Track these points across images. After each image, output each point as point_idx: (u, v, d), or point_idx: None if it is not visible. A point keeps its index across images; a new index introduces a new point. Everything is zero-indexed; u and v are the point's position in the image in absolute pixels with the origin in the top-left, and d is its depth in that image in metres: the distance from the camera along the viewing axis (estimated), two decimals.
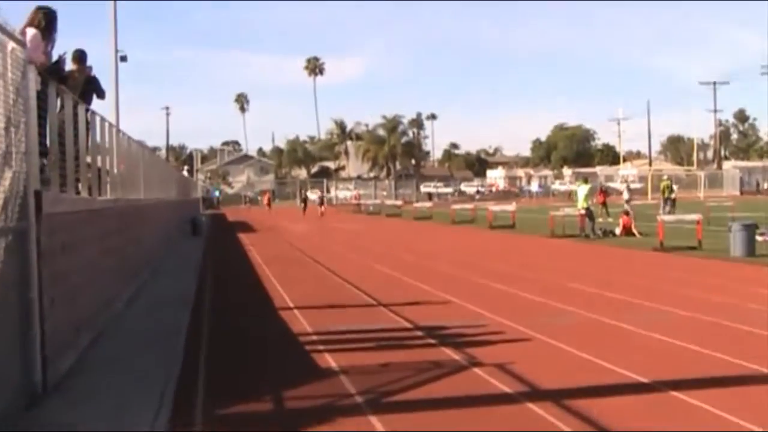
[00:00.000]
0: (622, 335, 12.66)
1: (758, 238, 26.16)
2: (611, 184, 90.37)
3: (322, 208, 70.31)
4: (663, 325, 13.18)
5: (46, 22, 11.34)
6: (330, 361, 11.07)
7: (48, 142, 10.67)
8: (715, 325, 13.28)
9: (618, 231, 34.88)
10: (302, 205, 74.96)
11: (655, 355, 11.19)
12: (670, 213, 42.83)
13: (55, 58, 12.24)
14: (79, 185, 12.82)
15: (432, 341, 12.41)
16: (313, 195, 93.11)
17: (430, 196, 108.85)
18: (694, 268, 21.90)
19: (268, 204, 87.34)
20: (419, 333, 13.21)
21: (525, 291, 17.72)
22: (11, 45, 8.64)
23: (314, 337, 12.92)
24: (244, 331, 13.74)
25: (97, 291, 13.45)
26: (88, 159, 14.36)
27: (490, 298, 16.85)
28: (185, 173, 70.79)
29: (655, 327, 12.94)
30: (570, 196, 62.04)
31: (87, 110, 13.71)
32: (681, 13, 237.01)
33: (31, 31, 10.35)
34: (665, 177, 56.04)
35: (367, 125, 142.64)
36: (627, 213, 36.00)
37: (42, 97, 10.21)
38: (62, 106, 11.91)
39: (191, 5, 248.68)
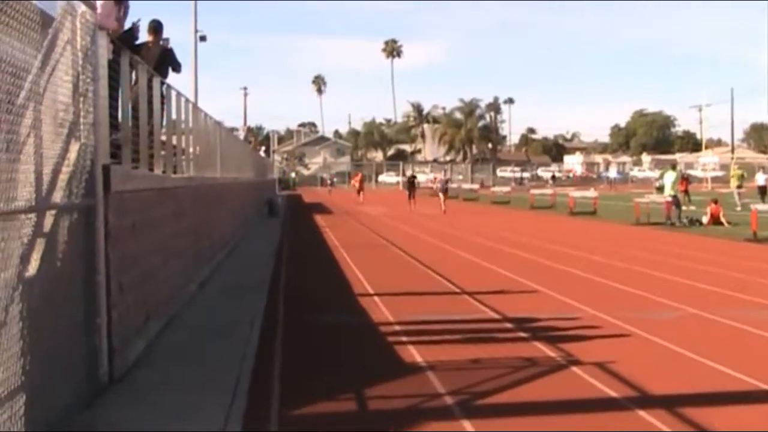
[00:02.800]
0: (731, 334, 11.69)
1: None
2: (691, 172, 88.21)
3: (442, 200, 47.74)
4: None
5: None
6: (415, 354, 10.30)
7: (120, 114, 10.02)
8: None
9: (705, 220, 33.59)
10: (408, 192, 52.30)
11: None
12: (743, 203, 41.38)
13: (128, 26, 11.59)
14: (153, 162, 12.16)
15: (523, 335, 11.59)
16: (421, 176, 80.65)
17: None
18: None
19: (360, 188, 65.82)
20: (508, 325, 12.40)
21: (616, 281, 16.79)
22: (81, 7, 7.97)
23: (397, 327, 12.17)
24: (322, 320, 12.98)
25: (169, 275, 12.81)
26: (163, 135, 13.76)
27: (580, 289, 15.96)
28: (262, 154, 70.22)
29: (761, 324, 11.95)
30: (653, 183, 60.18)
31: (162, 83, 13.07)
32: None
33: None
34: (736, 166, 54.16)
35: (444, 108, 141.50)
36: (715, 201, 34.67)
37: (114, 67, 9.57)
38: (136, 79, 11.28)
39: None
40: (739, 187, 47.16)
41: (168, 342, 10.92)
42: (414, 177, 57.32)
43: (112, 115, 9.49)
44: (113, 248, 8.55)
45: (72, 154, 7.65)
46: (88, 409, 7.62)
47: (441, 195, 48.41)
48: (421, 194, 54.94)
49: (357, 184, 67.86)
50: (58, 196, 7.21)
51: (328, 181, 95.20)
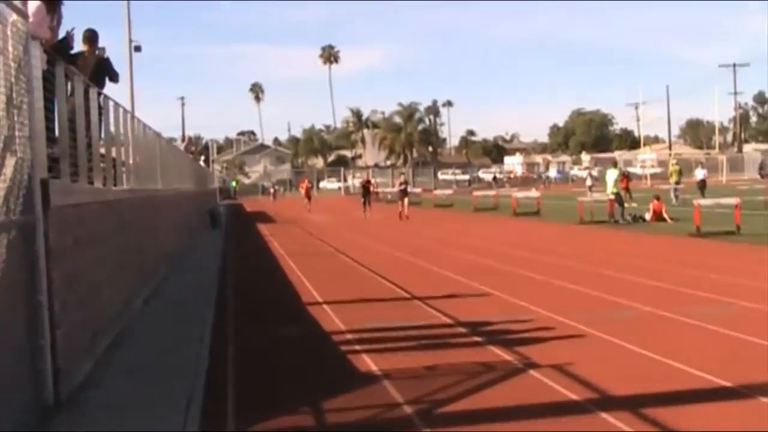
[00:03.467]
0: (685, 330, 11.61)
1: None
2: (630, 169, 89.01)
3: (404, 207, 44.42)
4: (726, 318, 12.14)
5: None
6: (370, 363, 10.08)
7: (57, 127, 9.67)
8: None
9: (648, 216, 33.79)
10: (363, 200, 49.80)
11: (730, 353, 10.15)
12: (684, 199, 41.89)
13: (62, 35, 11.22)
14: (92, 175, 11.79)
15: (478, 339, 11.42)
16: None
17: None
18: (736, 254, 20.84)
19: (307, 195, 61.99)
20: (462, 330, 12.21)
21: (566, 281, 16.69)
22: (12, 16, 7.63)
23: (349, 336, 11.94)
24: (273, 331, 12.67)
25: (115, 290, 12.43)
26: (102, 147, 13.39)
27: (530, 290, 15.82)
28: (202, 164, 69.50)
29: (718, 320, 11.92)
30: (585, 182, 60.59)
31: (99, 94, 12.71)
32: None
33: (34, 4, 9.30)
34: (674, 162, 54.87)
35: (383, 113, 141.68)
36: (657, 198, 34.90)
37: (49, 78, 9.22)
38: (72, 90, 10.92)
39: None
40: (677, 182, 47.68)
41: (116, 360, 10.54)
42: (369, 182, 53.77)
43: (49, 128, 9.14)
44: (55, 266, 8.21)
45: (8, 169, 7.31)
46: (34, 430, 7.30)
47: (400, 201, 44.89)
48: (353, 199, 55.05)
49: (305, 192, 63.05)
50: None
51: (271, 189, 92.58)
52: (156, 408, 8.20)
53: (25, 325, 7.54)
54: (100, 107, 12.76)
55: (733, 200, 29.69)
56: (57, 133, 9.72)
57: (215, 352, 10.99)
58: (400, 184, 46.29)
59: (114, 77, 14.20)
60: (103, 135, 13.33)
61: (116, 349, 11.14)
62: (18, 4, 7.76)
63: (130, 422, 7.73)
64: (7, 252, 6.97)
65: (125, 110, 16.26)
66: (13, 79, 7.55)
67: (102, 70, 13.71)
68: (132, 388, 9.13)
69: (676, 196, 44.95)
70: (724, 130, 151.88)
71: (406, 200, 44.40)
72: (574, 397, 8.24)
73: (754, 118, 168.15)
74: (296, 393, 8.85)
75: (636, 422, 7.34)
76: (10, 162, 7.39)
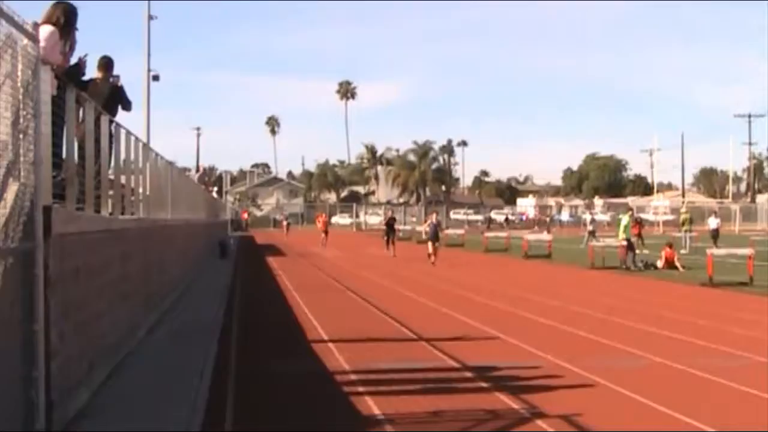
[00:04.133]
0: (698, 384, 11.34)
1: None
2: (643, 215, 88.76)
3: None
4: (740, 373, 11.86)
5: (65, 19, 10.12)
6: (372, 406, 9.84)
7: (65, 153, 9.52)
8: None
9: (660, 264, 33.54)
10: (386, 237, 46.84)
11: (745, 410, 9.86)
12: (695, 247, 41.60)
13: (74, 61, 11.09)
14: (100, 202, 11.63)
15: (484, 384, 11.18)
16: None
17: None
18: (749, 306, 20.55)
19: (324, 230, 58.42)
20: (468, 374, 11.97)
21: (577, 328, 16.43)
22: (23, 40, 7.50)
23: (352, 377, 11.70)
24: (275, 369, 12.42)
25: (116, 320, 12.23)
26: (112, 175, 13.25)
27: (539, 335, 15.58)
28: (214, 194, 69.38)
29: (733, 375, 11.62)
30: (585, 225, 60.41)
31: (111, 122, 12.58)
32: (716, 46, 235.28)
33: (47, 28, 9.17)
34: (684, 210, 54.67)
35: (397, 150, 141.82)
36: (670, 245, 34.66)
37: (59, 104, 9.08)
38: (83, 116, 10.79)
39: (223, 29, 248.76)
40: (688, 230, 47.45)
41: (113, 392, 10.33)
42: (394, 219, 50.46)
43: (56, 154, 8.99)
44: (53, 294, 8.02)
45: (9, 195, 7.14)
46: None
47: (430, 243, 38.59)
48: (371, 236, 54.00)
49: (322, 226, 59.22)
50: None
51: (284, 222, 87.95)
52: None
53: (20, 356, 7.34)
54: (111, 135, 12.63)
55: (746, 251, 29.41)
56: (64, 159, 9.57)
57: (215, 387, 10.78)
58: (429, 223, 40.45)
59: (127, 106, 14.07)
60: (113, 163, 13.20)
61: (114, 381, 10.94)
62: (29, 28, 7.63)
63: None
64: (3, 280, 6.78)
65: (137, 139, 16.14)
66: (20, 104, 7.41)
67: (115, 98, 13.58)
68: (128, 421, 8.91)
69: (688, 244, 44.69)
70: (737, 179, 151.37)
71: (437, 243, 38.80)
72: None
73: (767, 169, 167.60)
74: None
75: None
76: (12, 188, 7.24)
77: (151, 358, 12.93)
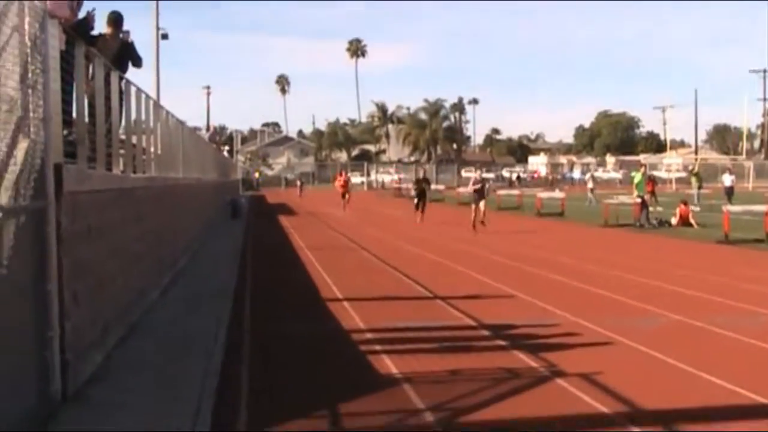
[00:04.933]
0: (717, 341, 11.18)
1: None
2: (655, 173, 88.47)
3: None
4: (760, 330, 11.71)
5: None
6: (390, 365, 9.72)
7: (74, 110, 9.35)
8: None
9: (674, 221, 33.32)
10: (417, 200, 38.07)
11: (765, 367, 9.71)
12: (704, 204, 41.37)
13: (82, 15, 10.90)
14: (111, 161, 11.47)
15: (502, 343, 11.04)
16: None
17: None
18: (767, 263, 20.36)
19: (344, 190, 50.33)
20: (485, 333, 11.84)
21: (593, 285, 16.30)
22: None
23: (369, 335, 11.59)
24: (291, 329, 12.30)
25: (129, 281, 12.10)
26: (123, 134, 13.08)
27: (556, 293, 15.43)
28: (225, 154, 68.97)
29: (752, 332, 11.49)
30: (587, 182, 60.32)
31: (121, 78, 12.39)
32: (730, 4, 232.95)
33: None
34: (691, 167, 54.53)
35: (408, 109, 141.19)
36: (685, 203, 34.42)
37: (67, 59, 8.91)
38: (93, 73, 10.61)
39: None
40: (700, 187, 47.22)
41: (127, 355, 10.23)
42: (427, 181, 41.34)
43: (66, 111, 8.83)
44: (66, 254, 7.88)
45: (20, 152, 6.99)
46: (40, 426, 6.97)
47: (474, 204, 32.35)
48: (382, 195, 52.91)
49: (341, 185, 51.22)
50: (3, 198, 6.56)
51: (298, 182, 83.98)
52: (163, 409, 7.86)
53: (34, 316, 7.23)
54: (121, 92, 12.46)
55: (762, 207, 29.15)
56: (74, 116, 9.40)
57: (230, 349, 10.67)
58: (475, 182, 33.05)
59: (137, 62, 13.88)
60: (123, 121, 13.03)
61: (128, 343, 10.84)
62: None
63: (137, 420, 7.40)
64: (16, 238, 6.65)
65: (148, 96, 15.96)
66: (28, 58, 7.24)
67: (125, 55, 13.40)
68: (142, 384, 8.80)
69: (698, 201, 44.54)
70: (751, 136, 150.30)
71: (482, 204, 32.21)
72: (603, 409, 7.86)
73: None
74: (312, 395, 8.52)
75: None
76: (22, 145, 7.09)
77: (164, 321, 12.80)
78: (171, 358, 10.11)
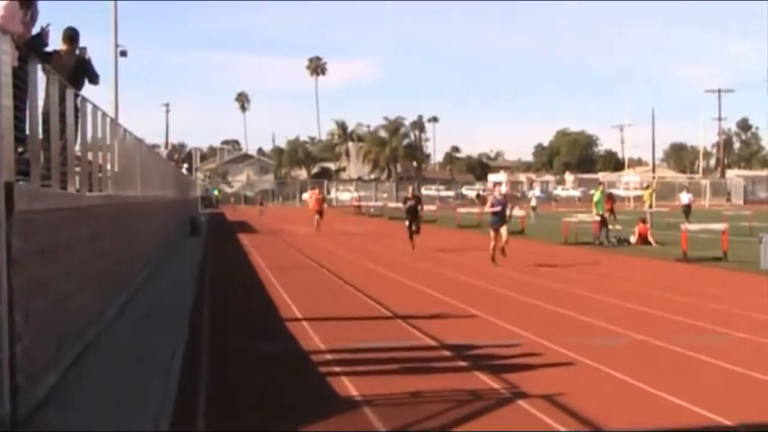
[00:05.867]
0: (678, 361, 11.14)
1: None
2: (614, 191, 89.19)
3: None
4: (720, 349, 11.71)
5: None
6: (350, 387, 9.57)
7: (27, 127, 9.14)
8: None
9: (633, 239, 33.49)
10: (409, 225, 31.73)
11: (727, 387, 9.68)
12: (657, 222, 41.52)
13: (36, 31, 10.68)
14: (67, 179, 11.24)
15: (463, 364, 10.93)
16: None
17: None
18: (725, 282, 20.47)
19: (319, 210, 44.75)
20: (447, 353, 11.72)
21: (554, 305, 16.23)
22: None
23: (328, 356, 11.43)
24: (249, 349, 12.09)
25: (85, 301, 11.86)
26: (79, 151, 12.85)
27: (517, 312, 15.38)
28: (184, 171, 68.44)
29: (713, 351, 11.47)
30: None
31: (77, 95, 12.17)
32: (687, 22, 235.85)
33: None
34: (645, 185, 55.17)
35: (368, 126, 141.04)
36: (644, 221, 34.61)
37: (21, 76, 8.70)
38: (47, 90, 10.39)
39: (190, 6, 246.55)
40: (651, 206, 47.71)
41: (82, 375, 10.00)
42: (418, 199, 33.88)
43: (19, 128, 8.62)
44: (18, 275, 7.67)
45: None
46: None
47: (493, 230, 26.14)
48: (342, 213, 52.47)
49: (315, 205, 45.64)
50: None
51: (259, 200, 79.67)
52: (120, 428, 7.67)
53: None
54: (77, 109, 12.24)
55: (720, 226, 29.38)
56: (28, 133, 9.19)
57: (187, 369, 10.46)
58: (494, 198, 27.33)
59: (94, 79, 13.64)
60: (79, 139, 12.80)
61: (84, 363, 10.60)
62: None
63: None
64: None
65: (104, 114, 15.73)
66: None
67: (82, 71, 13.15)
68: (97, 406, 8.60)
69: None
70: (707, 154, 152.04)
71: (503, 230, 26.11)
72: (565, 431, 7.76)
73: (737, 144, 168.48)
74: (271, 418, 8.35)
75: None
76: None
77: (121, 340, 12.58)
78: (127, 378, 9.90)
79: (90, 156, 14.02)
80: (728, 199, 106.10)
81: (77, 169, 12.45)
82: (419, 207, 32.83)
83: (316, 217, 44.17)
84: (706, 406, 8.57)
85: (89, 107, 13.52)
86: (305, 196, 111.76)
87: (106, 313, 13.86)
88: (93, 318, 12.47)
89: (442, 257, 28.70)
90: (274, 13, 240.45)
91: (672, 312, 15.21)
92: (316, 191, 48.16)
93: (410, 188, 37.49)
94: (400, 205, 44.33)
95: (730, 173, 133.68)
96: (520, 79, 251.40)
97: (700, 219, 43.31)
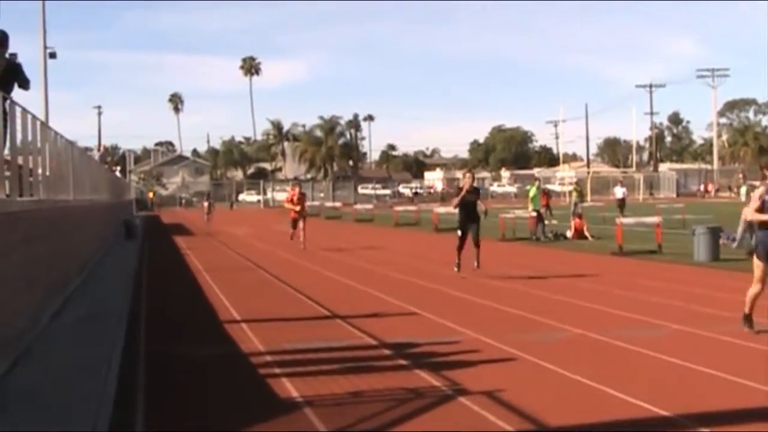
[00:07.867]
0: (617, 354, 11.23)
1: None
2: (549, 186, 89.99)
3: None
4: (658, 342, 11.81)
5: None
6: (290, 389, 9.48)
7: None
8: (716, 341, 11.93)
9: (570, 234, 33.87)
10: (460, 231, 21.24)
11: (665, 379, 9.77)
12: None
13: None
14: None
15: (403, 362, 10.91)
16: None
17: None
18: (661, 274, 20.69)
19: (299, 208, 30.57)
20: (387, 352, 11.68)
21: (493, 301, 16.30)
22: None
23: (268, 358, 11.34)
24: (187, 353, 11.93)
25: (16, 308, 11.63)
26: (8, 155, 12.60)
27: (456, 309, 15.40)
28: (118, 174, 67.49)
29: (651, 344, 11.56)
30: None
31: (5, 99, 11.94)
32: (618, 18, 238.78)
33: None
34: (571, 181, 55.77)
35: (304, 126, 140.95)
36: (579, 216, 34.96)
37: None
38: None
39: (120, 7, 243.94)
40: (577, 203, 48.26)
41: (15, 384, 9.79)
42: (476, 192, 22.07)
43: None
44: None
45: None
46: None
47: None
48: (279, 213, 51.85)
49: (294, 206, 30.88)
50: None
51: (205, 202, 71.89)
52: None
53: None
54: (5, 113, 12.02)
55: (654, 219, 29.77)
56: None
57: (124, 375, 10.30)
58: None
59: (25, 85, 13.44)
60: (8, 143, 12.57)
61: (17, 371, 10.39)
62: None
63: None
64: None
65: (35, 117, 15.45)
66: None
67: (11, 76, 12.96)
68: (31, 416, 8.40)
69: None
70: (640, 148, 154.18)
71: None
72: (507, 427, 7.78)
73: (669, 138, 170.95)
74: (212, 422, 8.25)
75: None
76: None
77: (56, 346, 12.35)
78: (62, 386, 9.70)
79: (20, 160, 13.77)
80: (651, 193, 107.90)
81: (7, 173, 12.21)
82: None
83: (297, 223, 31.15)
84: (645, 398, 8.64)
85: (18, 111, 13.27)
86: (241, 197, 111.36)
87: (41, 318, 13.62)
88: (27, 325, 12.24)
89: (376, 256, 28.66)
90: (207, 13, 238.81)
91: (609, 305, 15.36)
92: (295, 190, 31.72)
93: (469, 175, 29.24)
94: (337, 204, 44.76)
95: (663, 167, 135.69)
96: (454, 77, 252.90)
97: (634, 213, 43.89)
